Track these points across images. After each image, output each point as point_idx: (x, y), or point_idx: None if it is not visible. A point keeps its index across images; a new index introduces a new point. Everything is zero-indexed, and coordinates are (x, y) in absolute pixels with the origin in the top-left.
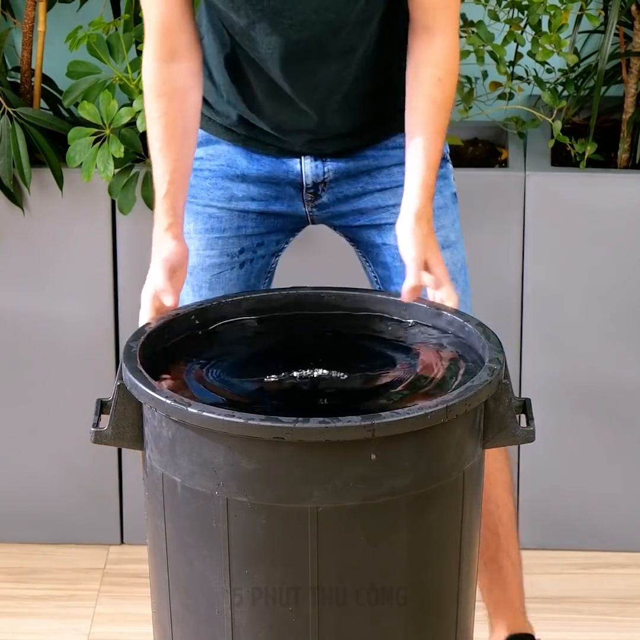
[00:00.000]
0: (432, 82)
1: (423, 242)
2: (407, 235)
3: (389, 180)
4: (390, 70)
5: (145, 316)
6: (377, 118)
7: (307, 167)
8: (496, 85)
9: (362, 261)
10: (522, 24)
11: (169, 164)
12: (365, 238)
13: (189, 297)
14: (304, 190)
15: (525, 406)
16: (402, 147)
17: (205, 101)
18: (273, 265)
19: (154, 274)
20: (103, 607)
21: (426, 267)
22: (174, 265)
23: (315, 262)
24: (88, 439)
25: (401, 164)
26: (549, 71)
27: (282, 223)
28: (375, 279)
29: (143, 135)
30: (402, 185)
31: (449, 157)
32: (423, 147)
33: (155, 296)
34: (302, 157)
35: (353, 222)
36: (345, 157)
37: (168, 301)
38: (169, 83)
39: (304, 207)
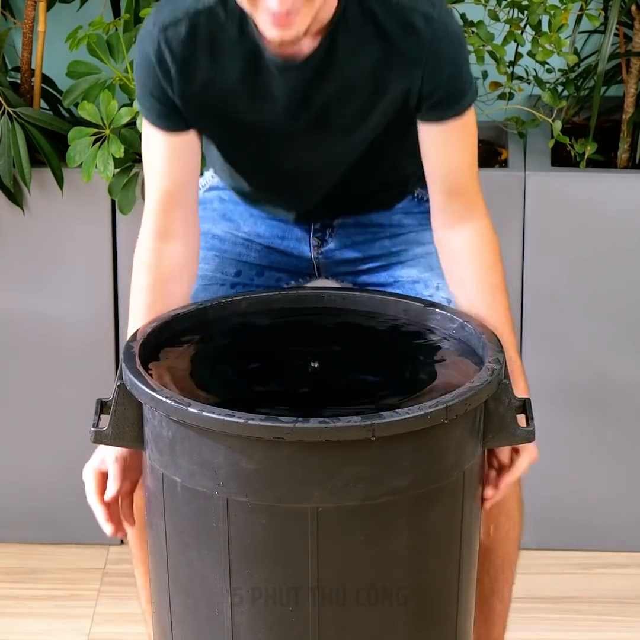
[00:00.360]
0: (485, 268)
1: None
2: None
3: (399, 228)
4: (394, 167)
5: (92, 493)
6: (381, 200)
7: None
8: (496, 85)
9: None
10: (522, 24)
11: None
12: (374, 280)
13: None
14: (311, 234)
15: (525, 406)
16: (409, 212)
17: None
18: None
19: (102, 459)
20: (103, 607)
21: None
22: (129, 464)
23: None
24: (88, 439)
25: (409, 213)
26: (549, 71)
27: (286, 262)
28: None
29: None
30: (412, 231)
31: None
32: (502, 336)
33: (98, 475)
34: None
35: (361, 265)
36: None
37: (112, 489)
38: (159, 267)
39: (310, 251)
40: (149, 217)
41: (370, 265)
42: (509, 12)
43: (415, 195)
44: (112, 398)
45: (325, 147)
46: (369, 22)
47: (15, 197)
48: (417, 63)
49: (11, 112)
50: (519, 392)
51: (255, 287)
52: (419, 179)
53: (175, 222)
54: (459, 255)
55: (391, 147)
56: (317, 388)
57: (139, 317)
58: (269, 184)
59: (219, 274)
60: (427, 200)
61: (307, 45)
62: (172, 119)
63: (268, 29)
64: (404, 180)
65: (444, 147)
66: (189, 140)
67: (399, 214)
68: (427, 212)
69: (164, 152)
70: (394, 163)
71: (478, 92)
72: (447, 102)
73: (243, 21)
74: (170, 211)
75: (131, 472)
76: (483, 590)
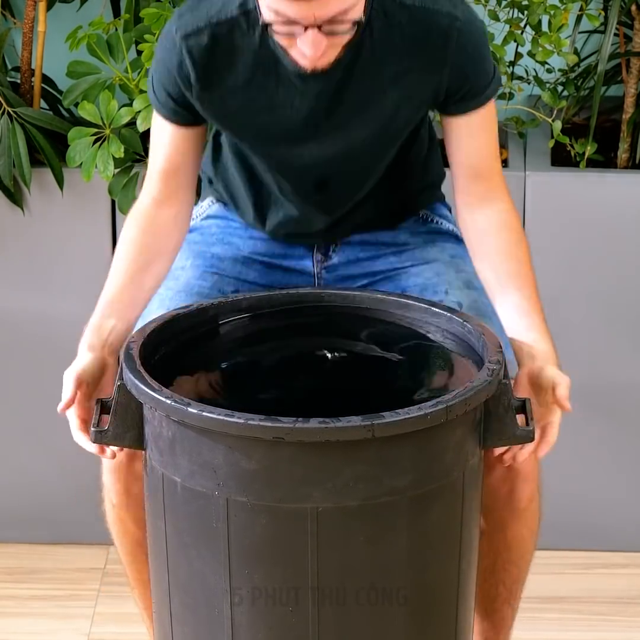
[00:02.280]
0: (512, 243)
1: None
2: (562, 379)
3: (404, 246)
4: (406, 172)
5: (67, 393)
6: (391, 212)
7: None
8: None
9: None
10: (522, 24)
11: (116, 285)
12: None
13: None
14: (315, 250)
15: (525, 406)
16: (412, 232)
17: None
18: None
19: (70, 374)
20: (103, 607)
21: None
22: (84, 380)
23: None
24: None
25: (415, 233)
26: (549, 71)
27: (288, 279)
28: None
29: (143, 135)
30: (417, 248)
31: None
32: (528, 301)
33: (75, 380)
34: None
35: (363, 280)
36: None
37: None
38: (151, 224)
39: (313, 267)
40: (149, 182)
41: (374, 279)
42: (509, 12)
43: (421, 216)
44: (112, 398)
45: (344, 155)
46: (394, 30)
47: (15, 197)
48: (444, 63)
49: (11, 112)
50: (552, 361)
51: None
52: (428, 195)
53: (173, 191)
54: (485, 232)
55: (407, 153)
56: (317, 388)
57: (118, 265)
58: (290, 190)
59: (215, 291)
60: (431, 221)
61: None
62: (184, 116)
63: (301, 61)
64: (414, 191)
65: (468, 135)
66: (198, 129)
67: (404, 233)
68: (432, 232)
69: (171, 136)
70: (407, 169)
71: (501, 78)
72: (473, 94)
73: (265, 32)
74: (170, 181)
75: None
76: (498, 599)
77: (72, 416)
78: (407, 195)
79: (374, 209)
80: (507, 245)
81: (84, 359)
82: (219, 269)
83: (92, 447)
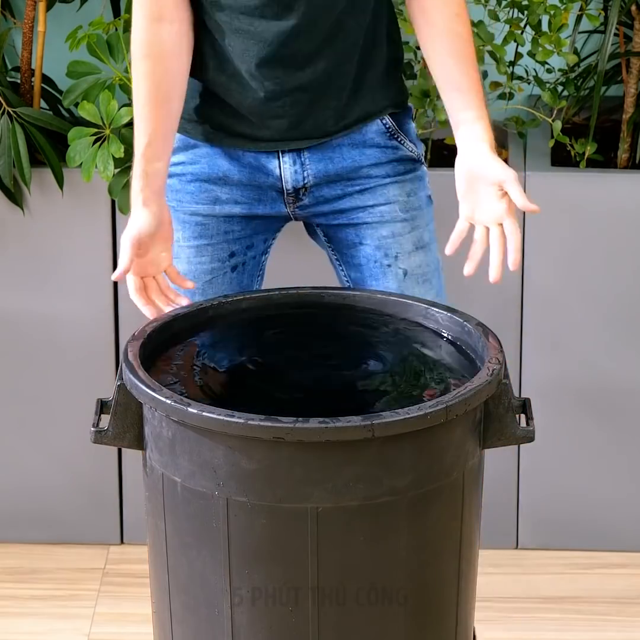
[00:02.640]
0: (451, 18)
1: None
2: (492, 159)
3: (367, 181)
4: (373, 44)
5: (125, 259)
6: (355, 94)
7: (286, 172)
8: (496, 85)
9: (335, 264)
10: (522, 24)
11: (148, 126)
12: (342, 237)
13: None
14: (285, 194)
15: (525, 406)
16: (377, 145)
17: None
18: (264, 263)
19: (128, 238)
20: (103, 607)
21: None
22: (143, 239)
23: (315, 261)
24: (88, 439)
25: (378, 164)
26: (549, 71)
27: (267, 223)
28: (348, 283)
29: None
30: (379, 186)
31: (423, 160)
32: (467, 77)
33: (135, 243)
34: (281, 157)
35: (332, 220)
36: (322, 151)
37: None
38: (157, 45)
39: (286, 208)
40: (137, 4)
41: (340, 220)
42: (509, 12)
43: (385, 124)
44: (112, 398)
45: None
46: None
47: (15, 197)
48: None
49: (11, 112)
50: (492, 145)
51: (251, 259)
52: (393, 92)
53: (166, 7)
54: (436, 36)
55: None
56: (317, 387)
57: (142, 108)
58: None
59: (216, 263)
60: (395, 137)
61: None
62: None
63: None
64: (374, 70)
65: None
66: None
67: (368, 162)
68: (393, 161)
69: None
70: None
71: None
72: None
73: None
74: None
75: (161, 236)
76: None
77: (131, 279)
78: (366, 82)
79: (335, 86)
80: (456, 48)
81: (141, 218)
82: (207, 237)
83: (146, 311)
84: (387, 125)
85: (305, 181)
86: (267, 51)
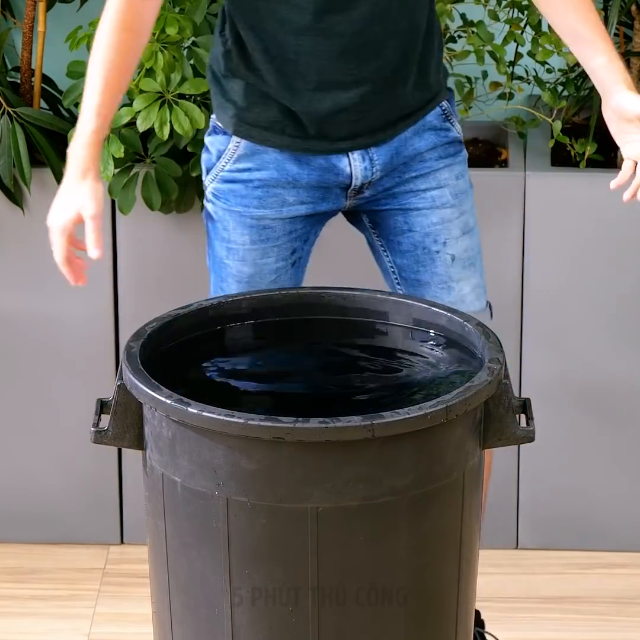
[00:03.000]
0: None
1: None
2: (627, 97)
3: (422, 166)
4: (430, 32)
5: (59, 253)
6: (418, 85)
7: (357, 169)
8: (496, 85)
9: (379, 251)
10: (522, 24)
11: (107, 99)
12: (390, 223)
13: None
14: (349, 189)
15: (525, 406)
16: (433, 128)
17: (245, 107)
18: (310, 253)
19: (62, 213)
20: (103, 607)
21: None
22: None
23: (315, 261)
24: (88, 439)
25: (433, 148)
26: (549, 71)
27: (324, 217)
28: (392, 269)
29: (143, 135)
30: (433, 171)
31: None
32: (588, 25)
33: (64, 230)
34: (350, 155)
35: (383, 205)
36: (389, 143)
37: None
38: (139, 21)
39: (346, 201)
40: None
41: (391, 205)
42: (509, 12)
43: (441, 106)
44: (112, 398)
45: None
46: None
47: (15, 197)
48: None
49: (11, 112)
50: (628, 84)
51: (306, 253)
52: (444, 76)
53: None
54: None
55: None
56: (317, 387)
57: (108, 72)
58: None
59: (280, 262)
60: (449, 119)
61: None
62: None
63: None
64: (435, 59)
65: None
66: None
67: (425, 147)
68: (450, 142)
69: None
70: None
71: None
72: None
73: None
74: None
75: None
76: None
77: (59, 248)
78: (429, 72)
79: (397, 79)
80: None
81: (72, 204)
82: (274, 240)
83: (65, 272)
84: (443, 108)
85: (374, 176)
86: (341, 43)
